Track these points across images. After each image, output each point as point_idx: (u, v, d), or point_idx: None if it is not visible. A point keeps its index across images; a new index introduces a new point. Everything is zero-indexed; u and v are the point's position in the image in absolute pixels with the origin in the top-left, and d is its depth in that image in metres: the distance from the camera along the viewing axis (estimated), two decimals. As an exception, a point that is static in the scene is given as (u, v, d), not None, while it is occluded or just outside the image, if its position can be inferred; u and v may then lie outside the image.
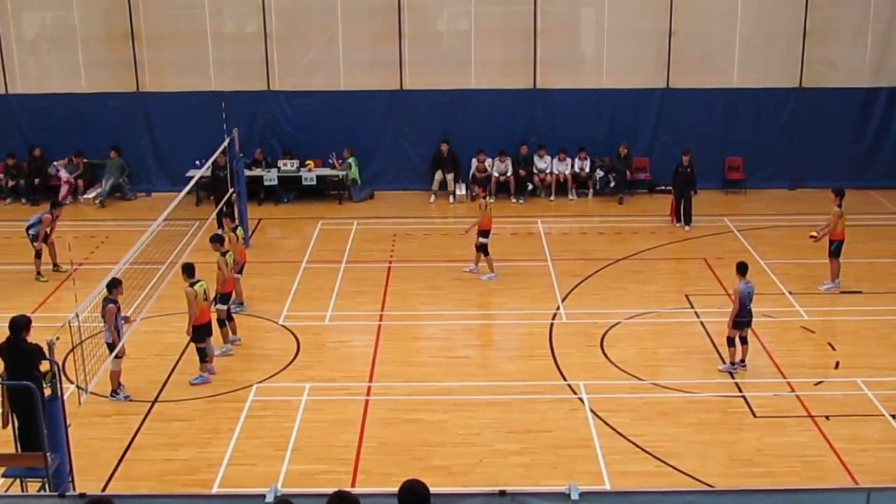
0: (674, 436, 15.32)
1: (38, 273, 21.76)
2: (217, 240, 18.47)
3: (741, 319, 16.98)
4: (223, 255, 18.22)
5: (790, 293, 20.46)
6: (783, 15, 27.23)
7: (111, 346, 16.22)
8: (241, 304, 19.83)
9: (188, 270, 16.99)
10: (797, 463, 14.60)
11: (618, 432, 15.37)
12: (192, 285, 16.85)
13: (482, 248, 21.34)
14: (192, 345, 17.42)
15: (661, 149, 27.31)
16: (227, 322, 18.38)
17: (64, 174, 27.62)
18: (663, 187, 26.66)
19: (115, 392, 16.60)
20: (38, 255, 21.73)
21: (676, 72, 27.29)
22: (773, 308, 19.69)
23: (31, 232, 21.77)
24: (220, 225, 20.70)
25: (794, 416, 15.87)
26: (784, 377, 17.04)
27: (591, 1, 28.12)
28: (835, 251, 20.56)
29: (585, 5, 28.37)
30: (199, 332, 17.10)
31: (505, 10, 27.76)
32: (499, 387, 16.89)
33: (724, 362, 17.29)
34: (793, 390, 16.61)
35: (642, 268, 22.14)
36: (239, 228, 20.47)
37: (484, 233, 21.29)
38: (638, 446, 14.99)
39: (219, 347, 18.06)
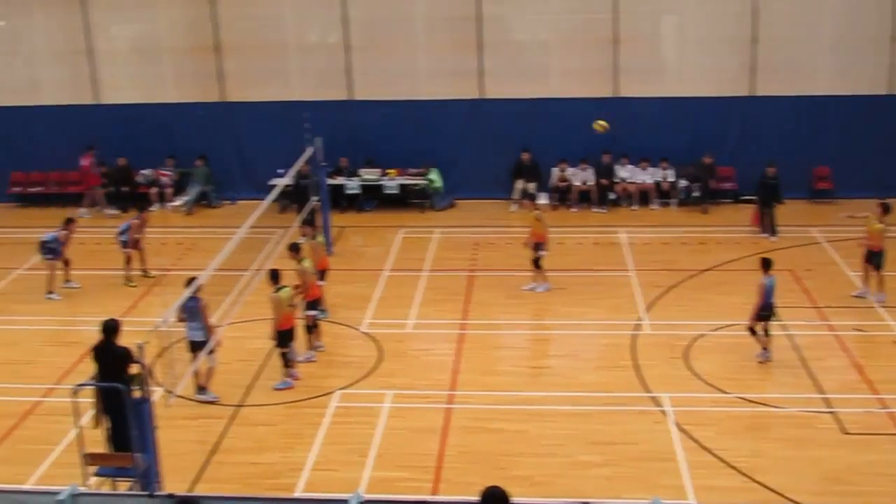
0: (760, 451, 15.08)
1: (128, 279, 22.15)
2: (294, 248, 18.64)
3: (764, 313, 17.50)
4: (300, 262, 18.39)
5: (883, 307, 20.06)
6: (871, 19, 26.62)
7: (199, 345, 16.47)
8: (324, 311, 19.98)
9: (274, 277, 17.19)
10: (890, 482, 14.24)
11: (702, 446, 15.18)
12: (277, 291, 17.05)
13: (537, 262, 21.19)
14: (276, 350, 17.59)
15: (746, 158, 26.91)
16: (312, 329, 18.55)
17: (165, 175, 28.32)
18: (748, 197, 26.29)
19: (202, 390, 16.86)
20: (128, 260, 22.16)
21: (761, 79, 26.91)
22: (864, 322, 19.34)
23: (121, 238, 22.19)
24: (303, 233, 20.91)
25: (886, 433, 15.51)
26: (876, 393, 16.69)
27: (673, 8, 27.91)
28: (872, 260, 20.31)
29: (667, 12, 28.14)
30: (283, 338, 17.28)
31: (585, 18, 27.61)
32: (581, 397, 16.80)
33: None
34: (885, 407, 16.26)
35: (727, 279, 21.86)
36: (320, 236, 20.64)
37: (539, 246, 21.15)
38: (723, 461, 14.77)
39: (303, 354, 18.22)
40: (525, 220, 26.27)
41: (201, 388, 16.98)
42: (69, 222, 22.19)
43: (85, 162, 28.00)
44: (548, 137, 27.41)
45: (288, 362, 17.38)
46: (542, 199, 27.02)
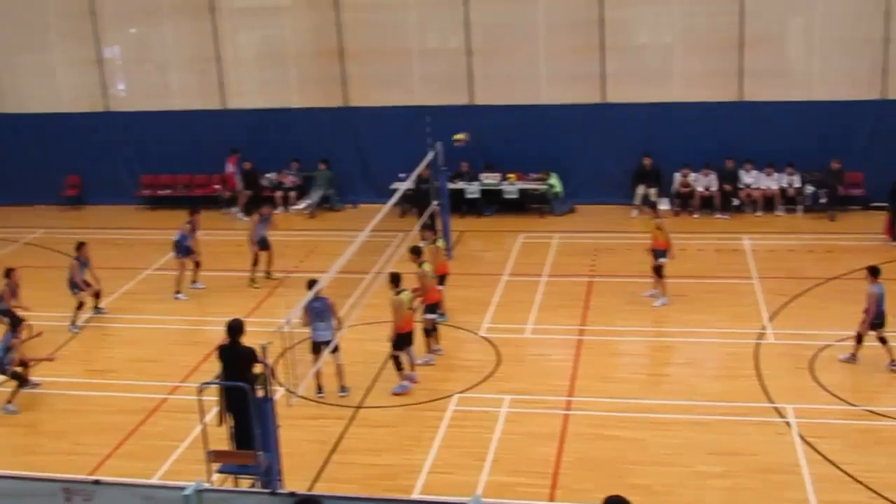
0: (890, 466, 14.58)
1: (252, 280, 22.61)
2: (415, 252, 18.77)
3: (876, 321, 17.20)
4: (420, 266, 18.51)
5: None
6: None
7: (324, 345, 16.74)
8: (443, 314, 20.08)
9: (394, 280, 17.35)
10: None
11: (828, 459, 14.79)
12: (397, 293, 17.20)
13: (658, 270, 20.94)
14: (391, 353, 17.69)
15: (877, 163, 26.15)
16: (431, 332, 18.66)
17: (289, 180, 28.92)
18: (878, 204, 25.55)
19: (343, 389, 17.38)
20: (255, 262, 22.61)
21: (893, 82, 26.09)
22: None
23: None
24: (423, 237, 21.08)
25: None
26: None
27: (801, 10, 27.27)
28: None
29: (794, 15, 27.53)
30: (401, 341, 17.42)
31: (709, 21, 27.15)
32: (701, 406, 16.55)
33: None
34: None
35: (855, 288, 21.11)
36: (441, 240, 20.75)
37: (660, 253, 20.88)
38: (850, 475, 14.36)
39: (421, 357, 18.35)
40: (646, 227, 26.11)
41: (343, 388, 17.36)
42: (193, 214, 22.91)
43: (230, 165, 28.64)
44: (670, 142, 27.09)
45: (400, 367, 17.47)
46: (664, 205, 26.76)
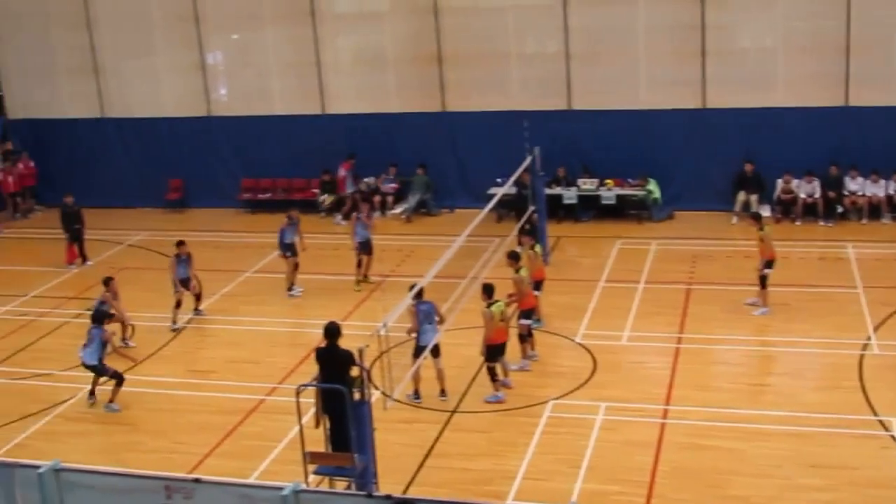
0: None
1: (358, 282, 22.80)
2: (513, 256, 18.73)
3: None
4: (517, 271, 18.47)
5: None
6: None
7: (425, 349, 16.83)
8: (539, 320, 20.03)
9: (487, 291, 17.30)
10: None
11: (935, 474, 14.46)
12: (489, 306, 17.14)
13: (763, 280, 20.51)
14: (485, 365, 17.66)
15: None
16: (526, 338, 18.62)
17: (385, 186, 29.07)
18: None
19: (443, 392, 17.48)
20: (359, 264, 22.80)
21: None
22: None
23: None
24: (520, 242, 21.03)
25: None
26: None
27: (910, 14, 26.66)
28: None
29: (903, 17, 26.92)
30: (492, 353, 17.36)
31: (814, 24, 26.60)
32: (801, 418, 16.23)
33: None
34: None
35: (964, 298, 20.74)
36: (538, 245, 20.71)
37: (767, 263, 20.47)
38: (958, 490, 14.04)
39: (516, 363, 18.31)
40: (747, 234, 25.71)
41: (443, 392, 17.49)
42: (290, 210, 23.39)
43: (342, 170, 29.00)
44: (772, 148, 26.62)
45: (495, 377, 17.43)
46: (765, 212, 26.31)
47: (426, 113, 29.02)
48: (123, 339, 20.38)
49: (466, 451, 15.89)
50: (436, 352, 17.18)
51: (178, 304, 21.37)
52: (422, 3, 28.49)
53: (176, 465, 15.53)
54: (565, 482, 14.76)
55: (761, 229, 20.58)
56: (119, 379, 17.86)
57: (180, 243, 21.66)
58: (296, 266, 22.87)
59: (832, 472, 14.66)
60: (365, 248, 22.96)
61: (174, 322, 21.34)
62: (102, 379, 18.08)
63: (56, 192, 28.45)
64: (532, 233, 22.13)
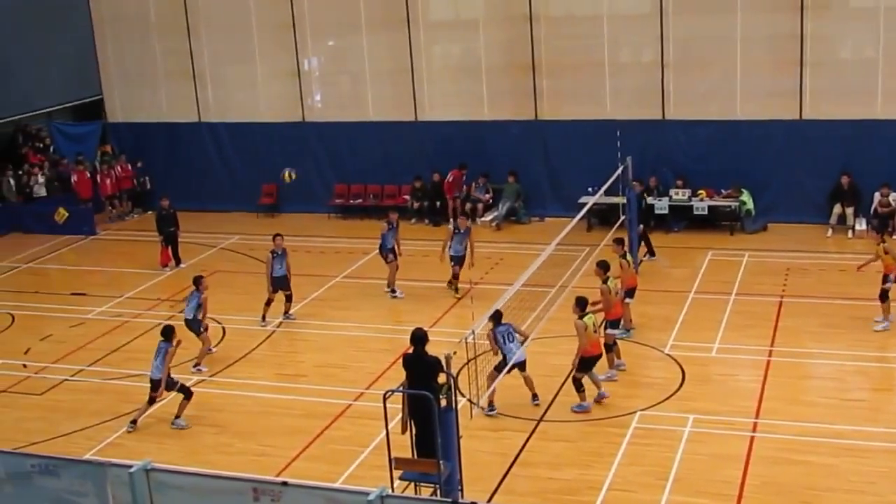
0: None
1: (454, 288, 22.95)
2: (602, 266, 18.63)
3: None
4: (604, 281, 18.37)
5: None
6: None
7: (516, 366, 16.94)
8: (629, 330, 19.92)
9: (580, 304, 17.19)
10: None
11: None
12: (581, 317, 17.07)
13: (884, 294, 20.01)
14: (573, 374, 17.57)
15: None
16: (612, 347, 18.52)
17: (480, 194, 29.18)
18: None
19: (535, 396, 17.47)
20: (455, 276, 22.88)
21: None
22: None
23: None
24: (651, 251, 21.10)
25: None
26: None
27: None
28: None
29: None
30: (585, 364, 17.25)
31: (916, 36, 26.17)
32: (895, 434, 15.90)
33: None
34: None
35: None
36: (629, 255, 20.60)
37: (886, 278, 19.95)
38: None
39: (604, 372, 18.21)
40: (841, 247, 25.28)
41: (535, 396, 17.45)
42: (389, 213, 23.56)
43: (451, 176, 29.22)
44: (870, 160, 26.10)
45: (581, 388, 17.28)
46: (861, 225, 25.85)
47: (519, 121, 29.04)
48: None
49: (552, 460, 15.85)
50: (522, 366, 17.17)
51: (268, 302, 21.67)
52: (517, 12, 28.51)
53: (263, 467, 15.76)
54: (652, 494, 14.65)
55: (882, 241, 20.16)
56: (187, 394, 17.73)
57: (276, 237, 21.87)
58: (396, 268, 23.07)
59: (927, 491, 14.37)
60: (458, 261, 22.86)
61: (263, 318, 21.68)
62: (169, 394, 17.92)
63: (153, 195, 29.03)
64: (645, 239, 22.17)
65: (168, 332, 17.73)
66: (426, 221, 29.23)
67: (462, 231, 22.84)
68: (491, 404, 17.30)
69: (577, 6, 28.74)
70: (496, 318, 16.75)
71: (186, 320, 19.81)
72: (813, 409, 16.99)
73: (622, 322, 19.42)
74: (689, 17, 27.41)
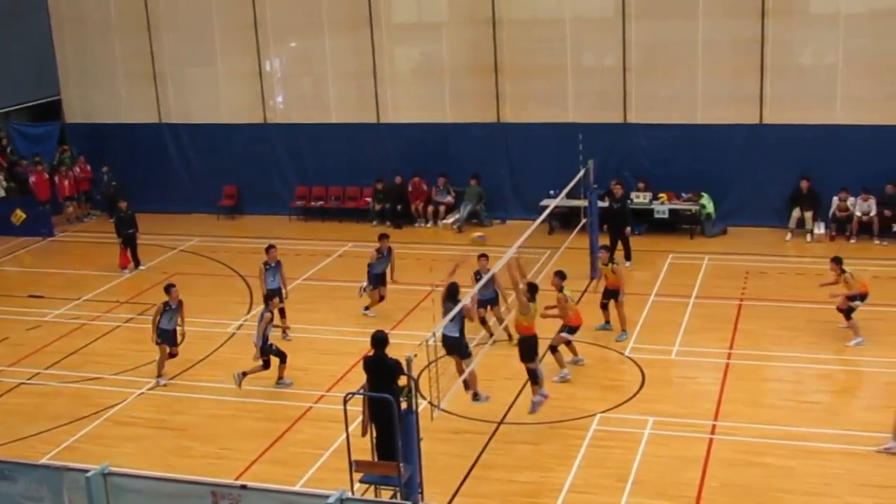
0: None
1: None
2: (559, 275, 18.61)
3: None
4: (561, 290, 18.41)
5: None
6: None
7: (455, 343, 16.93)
8: (624, 331, 20.27)
9: (561, 276, 18.26)
10: None
11: None
12: (561, 290, 18.20)
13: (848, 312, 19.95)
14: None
15: None
16: (556, 350, 18.53)
17: (442, 196, 29.23)
18: None
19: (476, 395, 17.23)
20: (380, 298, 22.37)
21: None
22: None
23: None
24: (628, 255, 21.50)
25: None
26: None
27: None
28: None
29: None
30: (526, 348, 17.03)
31: (875, 43, 26.27)
32: (853, 436, 16.03)
33: None
34: None
35: None
36: (612, 263, 20.67)
37: (860, 297, 19.87)
38: None
39: (557, 373, 18.26)
40: (800, 251, 25.51)
41: (476, 395, 17.25)
42: (381, 240, 22.29)
43: (410, 187, 29.32)
44: (829, 165, 26.34)
45: (536, 379, 17.10)
46: (820, 229, 26.10)
47: (481, 124, 29.07)
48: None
49: (513, 462, 15.87)
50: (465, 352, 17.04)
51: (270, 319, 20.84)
52: (480, 15, 28.54)
53: (223, 470, 15.69)
54: (612, 496, 14.71)
55: (843, 272, 19.93)
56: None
57: (269, 248, 21.24)
58: (381, 298, 22.04)
59: (883, 491, 14.52)
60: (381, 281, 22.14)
61: (285, 333, 20.87)
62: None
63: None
64: (612, 248, 22.43)
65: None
66: (388, 224, 29.18)
67: (385, 254, 21.99)
68: (476, 394, 17.28)
69: (540, 10, 28.75)
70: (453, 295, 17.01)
71: (164, 330, 19.27)
72: (771, 411, 17.13)
73: (622, 324, 20.21)
74: (652, 21, 27.55)
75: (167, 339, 19.37)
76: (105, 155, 31.92)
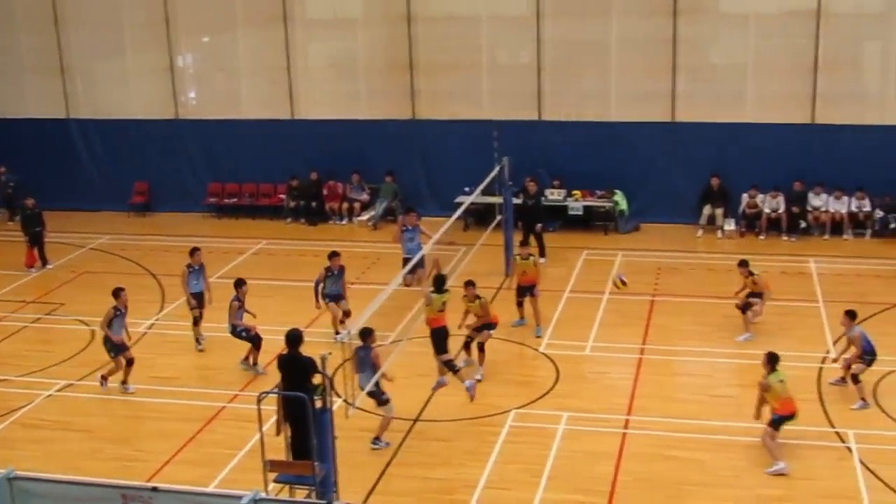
0: (954, 496, 14.37)
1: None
2: (470, 284, 18.61)
3: (869, 358, 17.24)
4: (474, 299, 18.45)
5: None
6: None
7: (371, 394, 15.82)
8: (539, 327, 20.37)
9: (472, 284, 18.20)
10: None
11: (890, 487, 14.57)
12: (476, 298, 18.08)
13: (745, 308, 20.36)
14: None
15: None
16: (469, 344, 18.68)
17: (356, 194, 29.17)
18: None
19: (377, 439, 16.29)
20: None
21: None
22: None
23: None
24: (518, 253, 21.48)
25: None
26: None
27: (877, 34, 26.90)
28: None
29: (870, 38, 27.15)
30: (437, 340, 17.46)
31: (784, 42, 26.87)
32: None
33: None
34: None
35: (924, 315, 20.95)
36: (532, 257, 20.71)
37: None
38: (912, 503, 14.16)
39: (478, 372, 18.34)
40: (711, 247, 25.91)
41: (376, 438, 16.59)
42: (331, 258, 20.87)
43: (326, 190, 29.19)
44: (740, 163, 26.83)
45: (453, 367, 17.24)
46: (730, 225, 26.55)
47: (396, 120, 29.03)
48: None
49: (428, 459, 15.87)
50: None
51: (196, 322, 20.34)
52: (395, 11, 28.50)
53: (135, 473, 15.42)
54: (527, 491, 14.78)
55: (751, 274, 20.21)
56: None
57: (194, 251, 20.60)
58: (346, 313, 20.39)
59: (792, 482, 14.81)
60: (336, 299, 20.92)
61: (198, 342, 20.36)
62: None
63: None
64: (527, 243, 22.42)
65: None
66: (302, 221, 29.01)
67: (336, 272, 20.77)
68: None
69: (455, 7, 28.79)
70: (364, 337, 15.70)
71: (116, 344, 18.48)
72: (683, 405, 17.36)
73: (537, 320, 20.29)
74: (566, 20, 27.77)
75: (120, 350, 18.49)
76: (10, 151, 31.15)
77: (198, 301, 20.36)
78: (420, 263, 20.24)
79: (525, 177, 25.98)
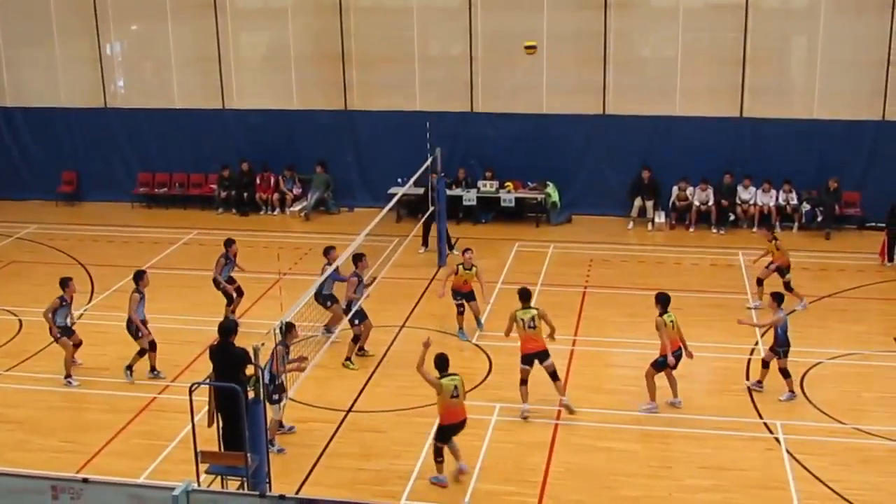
0: (876, 485, 14.64)
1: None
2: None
3: (782, 349, 17.25)
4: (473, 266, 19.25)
5: None
6: None
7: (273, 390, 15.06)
8: (479, 319, 20.47)
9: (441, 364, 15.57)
10: None
11: (815, 476, 14.82)
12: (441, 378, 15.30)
13: (788, 285, 20.97)
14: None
15: (874, 184, 26.24)
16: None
17: (288, 187, 28.99)
18: (873, 224, 25.64)
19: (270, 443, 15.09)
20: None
21: (891, 104, 26.16)
22: None
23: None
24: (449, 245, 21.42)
25: None
26: None
27: (804, 29, 27.33)
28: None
29: (797, 33, 27.60)
30: (444, 434, 15.19)
31: (713, 36, 27.25)
32: (692, 420, 16.56)
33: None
34: None
35: (848, 307, 21.34)
36: (475, 267, 20.54)
37: (782, 270, 21.13)
38: (837, 493, 14.39)
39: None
40: (641, 239, 26.18)
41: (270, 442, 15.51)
42: (228, 247, 20.92)
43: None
44: (669, 156, 27.15)
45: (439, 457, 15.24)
46: (660, 218, 26.82)
47: (328, 111, 28.91)
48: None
49: (361, 451, 15.85)
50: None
51: (232, 309, 20.32)
52: (326, 2, 28.38)
53: (64, 464, 15.20)
54: (460, 482, 14.81)
55: (774, 238, 21.27)
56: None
57: (229, 242, 20.64)
58: (239, 291, 20.65)
59: (721, 473, 15.00)
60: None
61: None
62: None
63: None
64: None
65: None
66: (233, 211, 28.80)
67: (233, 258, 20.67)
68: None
69: (387, -2, 28.86)
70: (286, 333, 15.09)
71: (62, 327, 18.33)
72: (615, 396, 17.52)
73: (476, 313, 20.33)
74: (497, 13, 27.87)
75: (66, 332, 18.40)
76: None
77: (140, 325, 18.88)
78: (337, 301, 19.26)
79: (458, 168, 26.06)
